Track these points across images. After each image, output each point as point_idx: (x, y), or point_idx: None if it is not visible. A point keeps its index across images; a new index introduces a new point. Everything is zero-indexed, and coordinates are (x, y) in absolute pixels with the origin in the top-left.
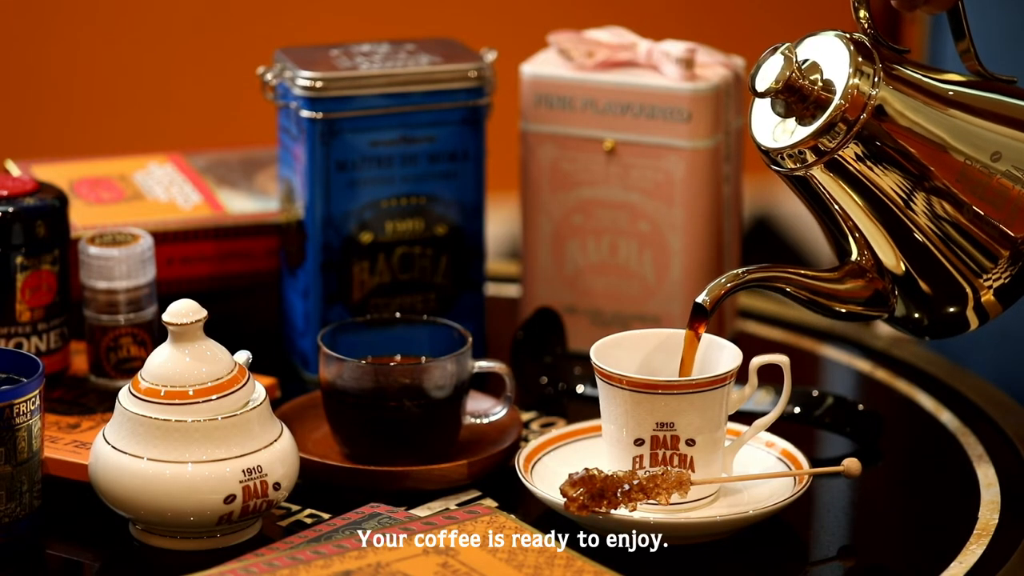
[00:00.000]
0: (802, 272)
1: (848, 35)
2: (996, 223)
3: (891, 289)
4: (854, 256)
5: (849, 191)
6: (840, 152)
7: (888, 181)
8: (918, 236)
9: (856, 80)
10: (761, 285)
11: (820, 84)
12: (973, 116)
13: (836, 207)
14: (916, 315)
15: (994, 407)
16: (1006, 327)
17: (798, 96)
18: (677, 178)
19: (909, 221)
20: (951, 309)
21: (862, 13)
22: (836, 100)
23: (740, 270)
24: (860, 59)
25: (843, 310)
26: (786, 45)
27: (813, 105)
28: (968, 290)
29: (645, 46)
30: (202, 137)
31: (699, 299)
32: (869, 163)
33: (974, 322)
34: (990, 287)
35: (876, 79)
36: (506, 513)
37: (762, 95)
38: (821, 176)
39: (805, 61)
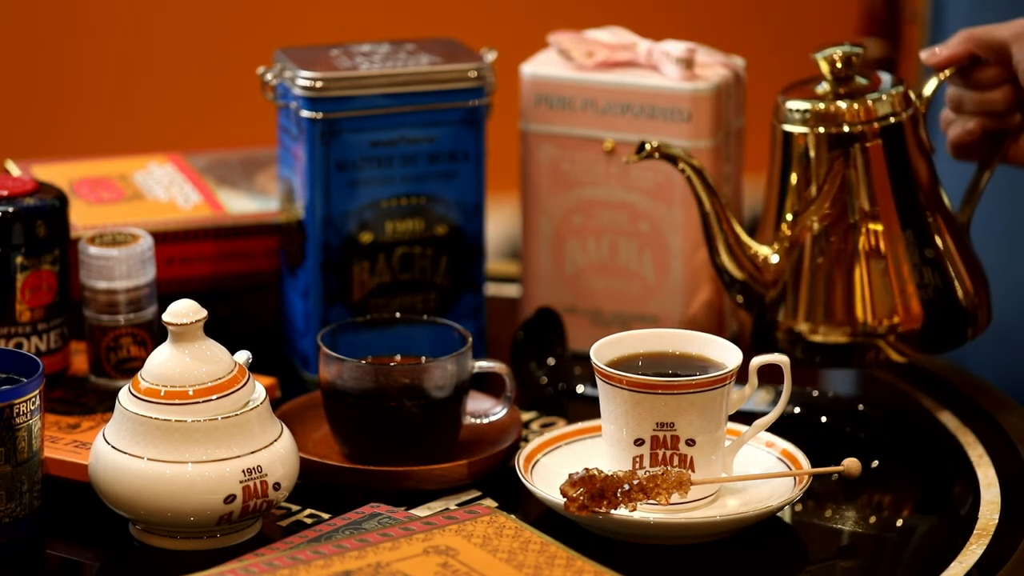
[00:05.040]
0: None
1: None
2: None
3: (777, 294)
4: (773, 251)
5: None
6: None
7: (903, 180)
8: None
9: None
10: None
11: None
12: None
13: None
14: (798, 328)
15: (994, 407)
16: (1006, 327)
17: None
18: (677, 178)
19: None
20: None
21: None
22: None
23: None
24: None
25: (720, 263)
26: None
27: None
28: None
29: (645, 46)
30: (202, 137)
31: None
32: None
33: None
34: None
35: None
36: (506, 513)
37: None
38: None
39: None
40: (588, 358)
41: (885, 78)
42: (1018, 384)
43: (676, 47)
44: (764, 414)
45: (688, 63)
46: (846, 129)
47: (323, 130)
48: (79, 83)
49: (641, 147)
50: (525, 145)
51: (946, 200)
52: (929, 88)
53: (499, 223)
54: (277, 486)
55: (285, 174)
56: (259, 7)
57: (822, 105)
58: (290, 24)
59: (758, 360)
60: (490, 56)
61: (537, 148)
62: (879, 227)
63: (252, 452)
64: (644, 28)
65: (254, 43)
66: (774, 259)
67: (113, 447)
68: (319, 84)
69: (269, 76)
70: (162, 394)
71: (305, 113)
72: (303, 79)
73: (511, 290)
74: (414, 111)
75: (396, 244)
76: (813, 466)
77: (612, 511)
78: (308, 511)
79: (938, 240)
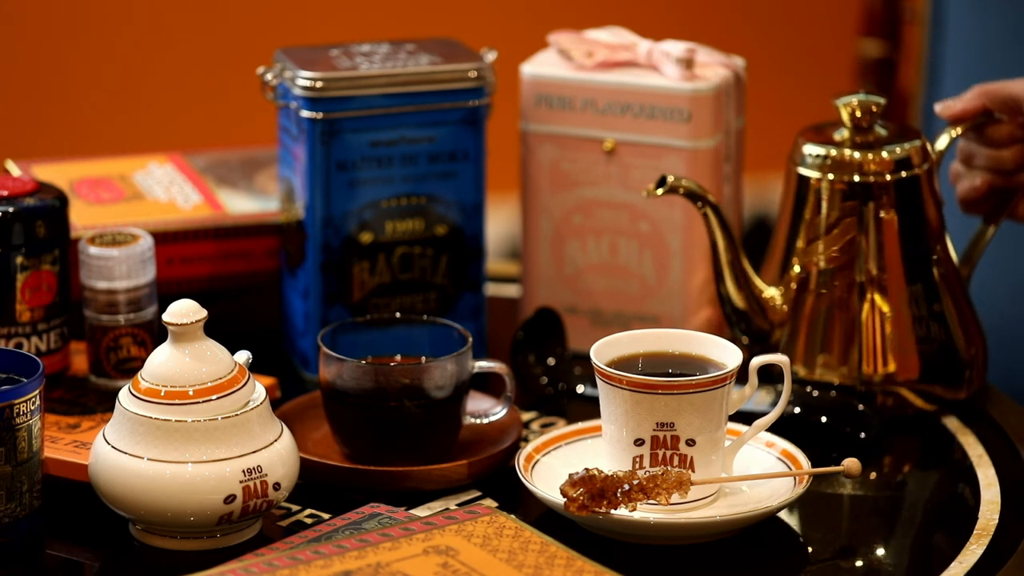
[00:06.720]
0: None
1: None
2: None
3: (773, 337)
4: (780, 293)
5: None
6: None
7: (910, 231)
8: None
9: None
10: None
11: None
12: None
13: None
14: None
15: (994, 407)
16: (1006, 327)
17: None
18: None
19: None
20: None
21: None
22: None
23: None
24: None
25: (728, 296)
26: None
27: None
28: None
29: (645, 46)
30: (202, 137)
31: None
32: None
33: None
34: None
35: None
36: (506, 513)
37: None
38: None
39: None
40: (588, 358)
41: (903, 129)
42: (1018, 384)
43: (676, 47)
44: (764, 414)
45: (688, 63)
46: (859, 179)
47: (323, 130)
48: (79, 83)
49: (662, 181)
50: (525, 145)
51: (952, 253)
52: (942, 143)
53: (499, 223)
54: (277, 486)
55: (285, 174)
56: (259, 7)
57: (838, 152)
58: (290, 24)
59: (758, 360)
60: (490, 56)
61: (537, 148)
62: (887, 278)
63: (252, 452)
64: (644, 28)
65: (254, 43)
66: (780, 301)
67: (113, 447)
68: (319, 84)
69: (269, 76)
70: (162, 394)
71: (305, 113)
72: (303, 79)
73: (511, 290)
74: (414, 111)
75: (396, 244)
76: (813, 466)
77: (612, 511)
78: (308, 511)
79: (942, 295)
